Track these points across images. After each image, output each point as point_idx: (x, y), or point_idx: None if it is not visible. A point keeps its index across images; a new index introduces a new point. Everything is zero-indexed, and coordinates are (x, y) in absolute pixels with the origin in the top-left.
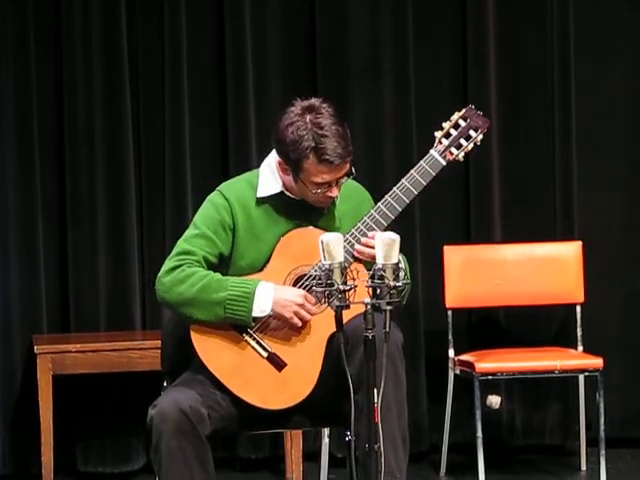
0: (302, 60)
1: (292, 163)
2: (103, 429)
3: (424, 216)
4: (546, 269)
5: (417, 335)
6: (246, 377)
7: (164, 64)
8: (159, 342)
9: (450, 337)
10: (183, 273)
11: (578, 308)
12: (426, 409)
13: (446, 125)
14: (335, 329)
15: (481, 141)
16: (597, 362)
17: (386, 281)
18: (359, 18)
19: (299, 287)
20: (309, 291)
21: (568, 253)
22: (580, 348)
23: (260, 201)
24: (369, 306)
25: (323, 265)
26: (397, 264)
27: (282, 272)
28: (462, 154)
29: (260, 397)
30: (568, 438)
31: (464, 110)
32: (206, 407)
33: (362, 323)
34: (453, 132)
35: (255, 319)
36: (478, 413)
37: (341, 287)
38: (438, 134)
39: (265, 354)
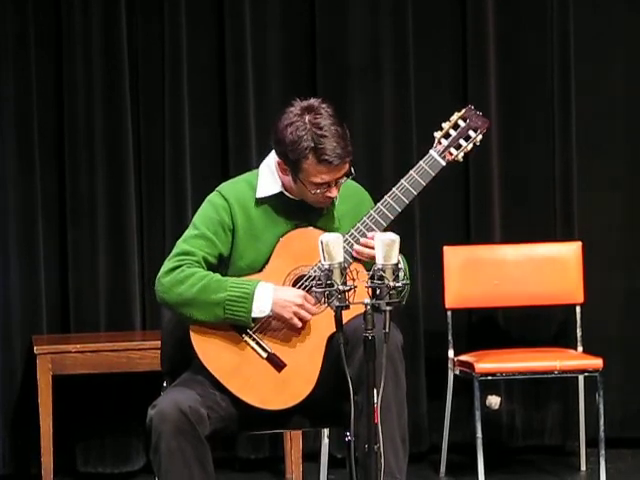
0: (302, 60)
1: (291, 163)
2: (103, 429)
3: (424, 216)
4: (546, 269)
5: (417, 335)
6: (246, 377)
7: (164, 64)
8: (159, 342)
9: (450, 337)
10: (183, 274)
11: (578, 308)
12: (426, 409)
13: (445, 125)
14: (335, 329)
15: (481, 141)
16: (597, 362)
17: (386, 281)
18: (359, 18)
19: (299, 287)
20: (309, 291)
21: (568, 253)
22: (580, 348)
23: (259, 201)
24: (369, 306)
25: (323, 265)
26: (397, 264)
27: (282, 272)
28: (462, 154)
29: (260, 397)
30: (568, 438)
31: (464, 110)
32: (206, 407)
33: (362, 323)
34: (452, 132)
35: (255, 319)
36: (478, 413)
37: (341, 287)
38: (437, 134)
39: (265, 354)
